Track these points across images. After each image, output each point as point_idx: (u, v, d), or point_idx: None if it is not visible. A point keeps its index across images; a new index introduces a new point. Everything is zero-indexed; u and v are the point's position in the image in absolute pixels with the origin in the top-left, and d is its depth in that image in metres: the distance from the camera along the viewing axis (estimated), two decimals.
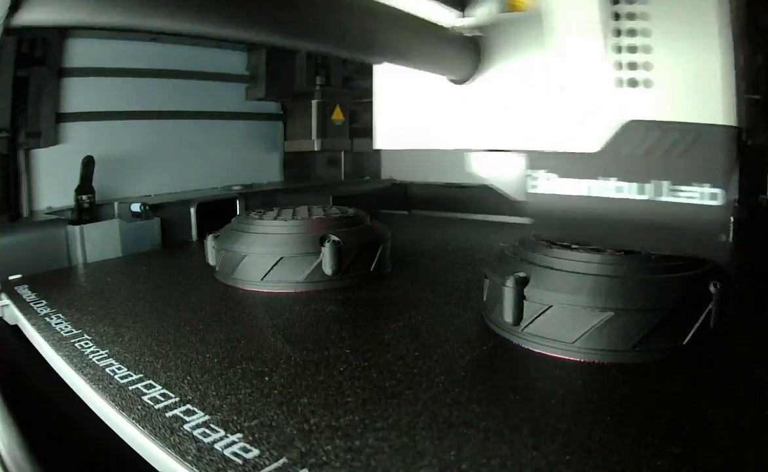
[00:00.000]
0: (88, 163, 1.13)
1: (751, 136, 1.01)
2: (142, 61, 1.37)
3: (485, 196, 1.58)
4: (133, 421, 0.44)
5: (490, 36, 0.58)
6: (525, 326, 0.58)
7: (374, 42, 0.49)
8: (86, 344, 0.60)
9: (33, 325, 0.67)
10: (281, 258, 0.77)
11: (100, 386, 0.50)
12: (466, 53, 0.58)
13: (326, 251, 0.76)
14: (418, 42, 0.53)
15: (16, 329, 0.75)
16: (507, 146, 0.60)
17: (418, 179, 1.75)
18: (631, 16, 0.50)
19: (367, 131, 1.95)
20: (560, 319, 0.55)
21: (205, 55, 1.52)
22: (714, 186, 0.49)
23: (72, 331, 0.65)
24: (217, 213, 1.26)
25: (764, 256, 1.08)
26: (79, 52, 1.24)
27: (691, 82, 0.48)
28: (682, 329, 0.55)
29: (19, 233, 0.97)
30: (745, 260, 1.07)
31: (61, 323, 0.68)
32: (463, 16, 0.61)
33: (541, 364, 0.54)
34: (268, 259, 0.78)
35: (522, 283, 0.57)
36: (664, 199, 0.51)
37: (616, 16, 0.50)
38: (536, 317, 0.57)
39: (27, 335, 0.68)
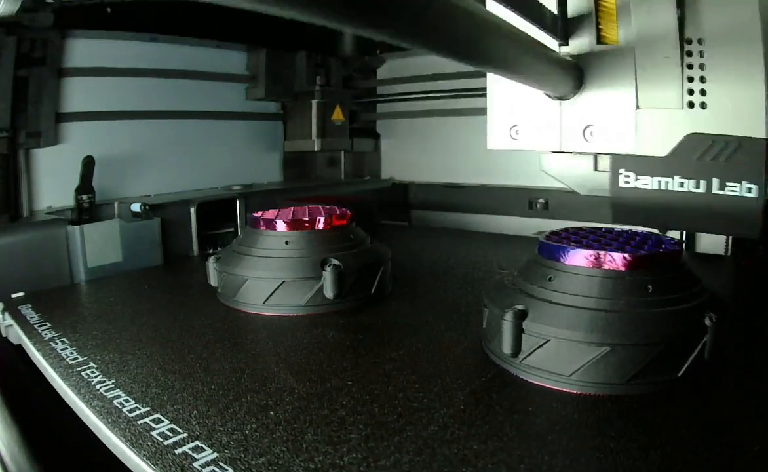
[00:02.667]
0: (88, 163, 1.15)
1: None
2: (142, 61, 1.39)
3: (483, 196, 1.62)
4: (144, 458, 0.47)
5: (590, 64, 0.77)
6: (523, 358, 0.60)
7: (490, 53, 0.53)
8: (92, 372, 0.63)
9: (39, 351, 0.70)
10: (282, 282, 0.80)
11: (110, 420, 0.53)
12: (571, 76, 0.75)
13: (327, 275, 0.78)
14: (531, 59, 0.62)
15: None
16: (597, 150, 0.80)
17: (418, 179, 1.79)
18: (690, 54, 0.70)
19: (368, 131, 1.99)
20: (558, 352, 0.58)
21: (205, 55, 1.54)
22: (750, 183, 0.69)
23: (77, 358, 0.67)
24: (217, 213, 1.29)
25: (762, 271, 1.10)
26: (79, 52, 1.26)
27: (735, 105, 0.69)
28: (677, 361, 0.58)
29: (19, 233, 1.00)
30: (743, 275, 1.10)
31: (66, 348, 0.70)
32: (565, 45, 0.77)
33: (539, 396, 0.57)
34: (269, 283, 0.80)
35: (520, 316, 0.60)
36: (714, 191, 0.72)
37: (683, 55, 0.71)
38: (534, 350, 0.60)
39: (33, 360, 0.71)
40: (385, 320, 0.79)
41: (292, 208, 0.95)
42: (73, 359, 0.67)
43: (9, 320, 0.83)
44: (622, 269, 0.60)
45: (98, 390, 0.59)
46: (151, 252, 1.14)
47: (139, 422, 0.52)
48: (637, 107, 0.75)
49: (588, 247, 0.63)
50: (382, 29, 0.39)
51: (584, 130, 0.79)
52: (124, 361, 0.66)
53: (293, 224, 0.84)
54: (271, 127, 1.77)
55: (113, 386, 0.60)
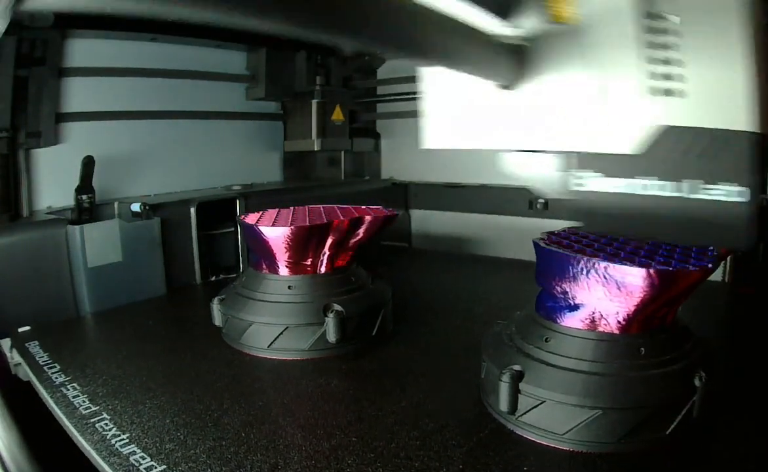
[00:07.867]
0: (88, 163, 1.20)
1: None
2: (142, 61, 1.43)
3: (483, 196, 1.68)
4: None
5: (536, 46, 0.69)
6: (520, 415, 0.67)
7: (422, 44, 0.53)
8: (106, 425, 0.69)
9: (51, 398, 0.75)
10: (286, 327, 0.86)
11: None
12: (513, 60, 0.68)
13: (330, 321, 0.84)
14: (468, 47, 0.59)
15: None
16: (550, 147, 0.72)
17: (418, 179, 1.84)
18: (663, 32, 0.61)
19: (368, 131, 2.03)
20: (552, 412, 0.64)
21: (205, 55, 1.58)
22: (739, 185, 0.60)
23: (90, 407, 0.73)
24: (217, 213, 1.35)
25: (762, 300, 1.15)
26: (79, 52, 1.31)
27: (716, 92, 0.60)
28: (666, 421, 0.64)
29: (19, 233, 1.05)
30: (740, 306, 1.15)
31: (78, 396, 0.76)
32: (507, 26, 0.69)
33: (533, 454, 0.63)
34: (273, 328, 0.86)
35: (517, 378, 0.66)
36: (695, 196, 0.63)
37: (650, 31, 0.62)
38: (530, 409, 0.66)
39: (46, 404, 0.76)
40: (386, 366, 0.85)
41: (291, 210, 0.99)
42: (86, 409, 0.73)
43: (18, 358, 0.89)
44: (616, 332, 0.66)
45: (114, 446, 0.64)
46: (151, 252, 1.20)
47: None
48: (596, 95, 0.66)
49: (594, 255, 0.65)
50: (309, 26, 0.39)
51: (533, 124, 0.71)
52: (136, 412, 0.72)
53: (295, 268, 0.90)
54: (271, 127, 1.82)
55: (128, 440, 0.66)
